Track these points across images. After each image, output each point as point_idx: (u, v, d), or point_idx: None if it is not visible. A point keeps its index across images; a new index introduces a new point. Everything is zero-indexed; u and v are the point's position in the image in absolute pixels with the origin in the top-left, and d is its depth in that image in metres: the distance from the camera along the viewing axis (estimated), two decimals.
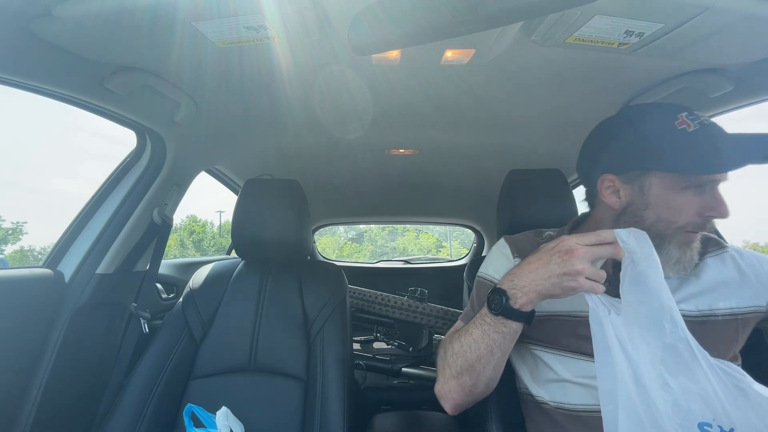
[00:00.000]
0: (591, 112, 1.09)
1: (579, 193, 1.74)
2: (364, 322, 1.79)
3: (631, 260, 0.55)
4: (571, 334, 0.69)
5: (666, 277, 0.62)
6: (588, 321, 0.66)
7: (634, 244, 0.55)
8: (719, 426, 0.48)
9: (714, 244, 0.72)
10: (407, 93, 1.02)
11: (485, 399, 0.71)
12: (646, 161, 0.64)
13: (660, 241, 0.63)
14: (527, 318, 0.61)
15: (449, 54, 0.81)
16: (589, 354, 0.65)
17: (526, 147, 1.40)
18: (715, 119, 0.66)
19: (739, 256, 0.70)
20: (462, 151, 1.49)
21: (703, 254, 0.69)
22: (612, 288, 0.59)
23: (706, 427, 0.48)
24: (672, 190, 0.63)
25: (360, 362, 1.46)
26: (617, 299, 0.57)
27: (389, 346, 1.78)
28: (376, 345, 1.91)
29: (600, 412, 0.62)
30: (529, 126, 1.23)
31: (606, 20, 0.66)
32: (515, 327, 0.62)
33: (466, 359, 0.64)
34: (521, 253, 0.78)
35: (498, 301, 0.61)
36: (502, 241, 0.83)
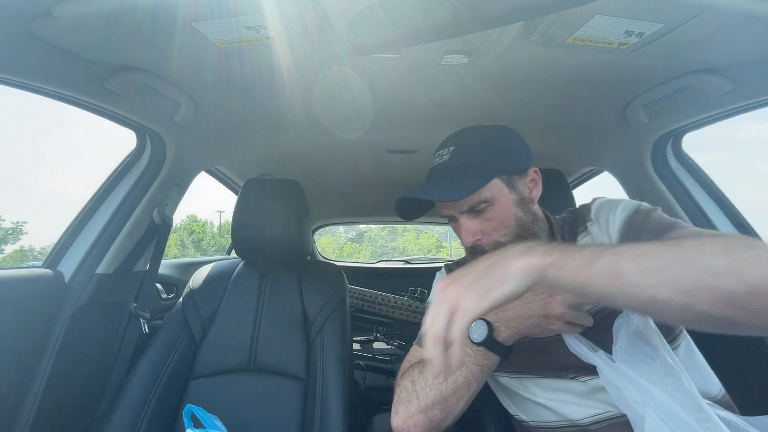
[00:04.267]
0: (591, 112, 1.09)
1: (579, 193, 1.74)
2: (364, 322, 1.79)
3: (626, 317, 0.55)
4: (527, 355, 0.68)
5: None
6: (545, 342, 0.67)
7: None
8: None
9: (581, 222, 0.72)
10: (407, 93, 1.02)
11: (484, 409, 0.71)
12: None
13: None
14: (507, 352, 0.61)
15: (449, 54, 0.81)
16: (549, 372, 0.67)
17: None
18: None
19: (596, 220, 0.69)
20: None
21: (574, 238, 0.71)
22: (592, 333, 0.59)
23: None
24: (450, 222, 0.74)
25: (360, 362, 1.46)
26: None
27: (389, 346, 1.78)
28: (376, 345, 1.91)
29: (572, 426, 0.63)
30: (528, 126, 1.23)
31: (606, 20, 0.66)
32: (494, 360, 0.61)
33: (440, 392, 0.61)
34: None
35: (481, 332, 0.61)
36: (441, 270, 0.87)
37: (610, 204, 0.69)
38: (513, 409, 0.74)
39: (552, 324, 0.58)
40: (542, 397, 0.67)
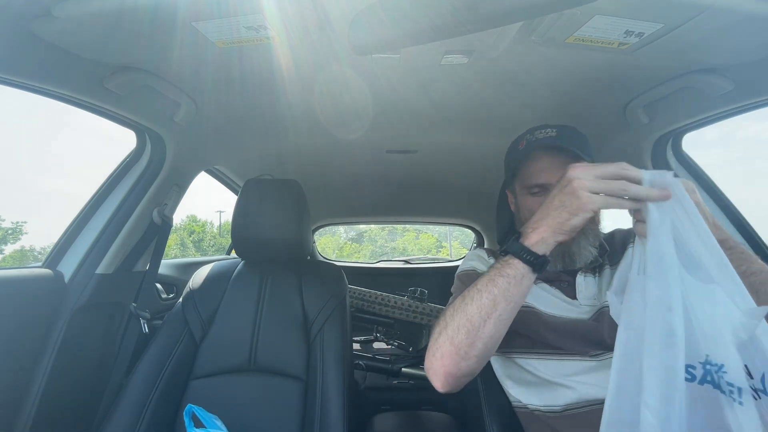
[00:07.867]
0: (591, 112, 1.09)
1: None
2: (364, 322, 1.78)
3: (661, 210, 0.49)
4: (548, 329, 0.71)
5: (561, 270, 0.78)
6: (561, 322, 0.72)
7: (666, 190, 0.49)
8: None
9: (630, 237, 0.81)
10: (407, 93, 1.02)
11: (484, 407, 0.72)
12: (506, 175, 0.87)
13: None
14: (536, 261, 0.56)
15: (449, 54, 0.81)
16: (565, 351, 0.69)
17: None
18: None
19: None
20: (462, 151, 1.49)
21: (624, 245, 0.79)
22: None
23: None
24: (523, 195, 0.79)
25: (360, 362, 1.46)
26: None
27: (389, 346, 1.78)
28: (376, 345, 1.90)
29: (585, 407, 0.65)
30: (528, 126, 1.23)
31: (606, 20, 0.66)
32: (522, 270, 0.56)
33: (465, 312, 0.58)
34: (495, 255, 0.85)
35: (509, 241, 0.59)
36: (478, 249, 0.93)
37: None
38: (523, 396, 0.73)
39: (575, 217, 0.53)
40: (563, 377, 0.68)
